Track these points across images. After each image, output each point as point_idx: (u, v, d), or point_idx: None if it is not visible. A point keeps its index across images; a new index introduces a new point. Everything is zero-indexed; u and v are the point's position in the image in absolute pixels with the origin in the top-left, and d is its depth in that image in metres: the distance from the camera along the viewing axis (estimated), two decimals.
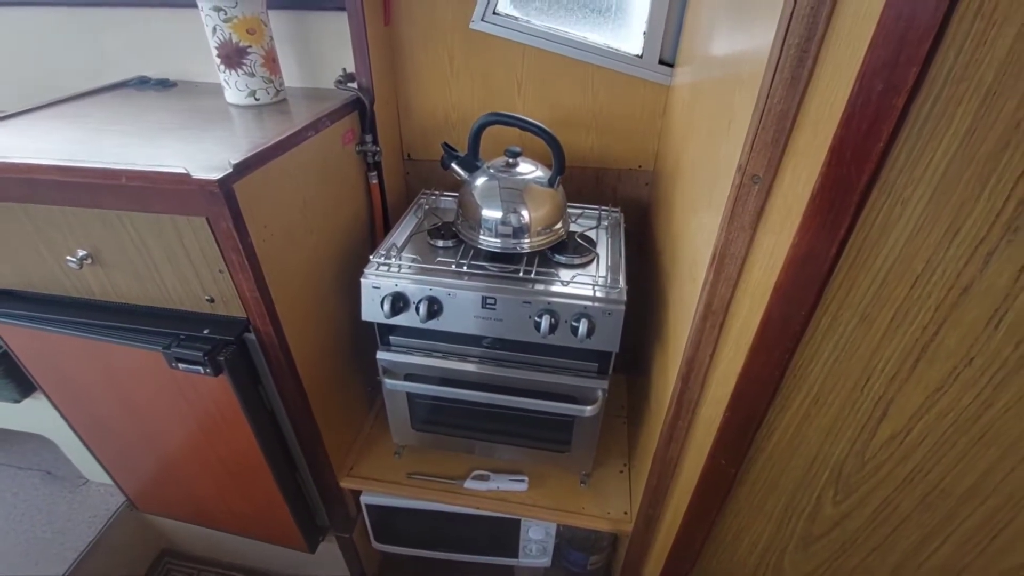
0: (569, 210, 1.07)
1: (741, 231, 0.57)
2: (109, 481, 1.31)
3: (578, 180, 1.19)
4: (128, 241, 0.79)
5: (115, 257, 0.81)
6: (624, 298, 0.88)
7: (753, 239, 0.57)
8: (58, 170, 0.73)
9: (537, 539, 1.22)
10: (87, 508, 1.32)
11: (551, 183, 0.95)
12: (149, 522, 1.37)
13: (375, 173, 1.12)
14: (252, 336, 0.87)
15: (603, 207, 1.14)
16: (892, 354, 0.55)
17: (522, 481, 1.15)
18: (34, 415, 1.21)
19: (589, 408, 0.97)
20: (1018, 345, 0.49)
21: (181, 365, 0.84)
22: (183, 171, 0.70)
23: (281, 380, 0.92)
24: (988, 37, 0.39)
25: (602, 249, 1.02)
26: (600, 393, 0.98)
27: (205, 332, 0.85)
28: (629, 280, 0.91)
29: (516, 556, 1.28)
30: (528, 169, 0.96)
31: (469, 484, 1.15)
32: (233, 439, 0.97)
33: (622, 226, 1.09)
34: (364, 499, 1.19)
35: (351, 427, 1.22)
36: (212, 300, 0.84)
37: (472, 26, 1.07)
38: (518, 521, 1.19)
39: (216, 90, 1.06)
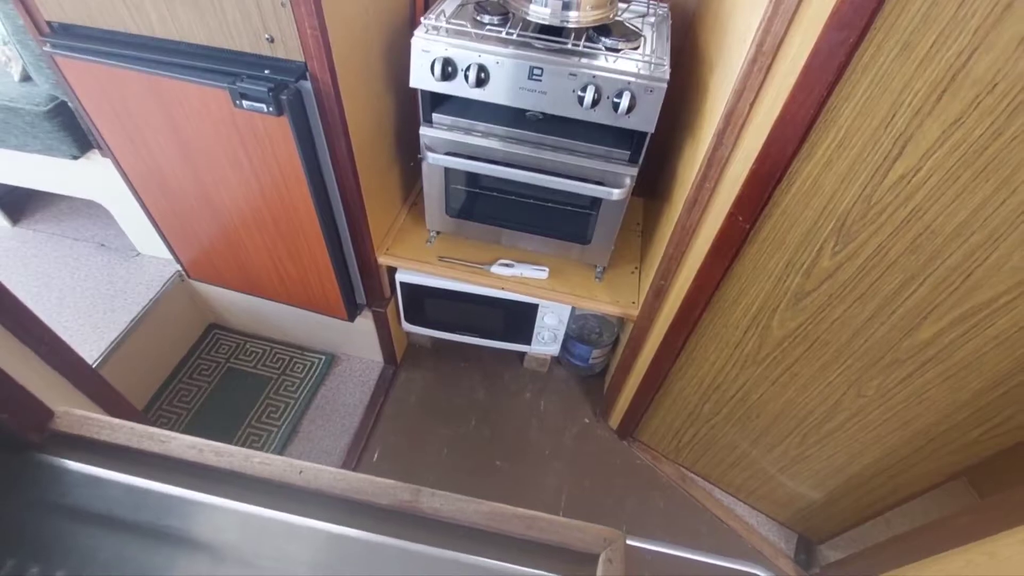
0: (619, 4, 1.06)
1: None
2: (161, 255, 1.43)
3: None
4: None
5: None
6: (667, 77, 0.91)
7: None
8: None
9: (551, 325, 1.37)
10: (141, 277, 1.45)
11: None
12: (199, 293, 1.52)
13: None
14: (308, 85, 0.91)
15: (651, 2, 1.12)
16: (923, 85, 0.61)
17: (543, 270, 1.27)
18: (90, 179, 1.29)
19: (617, 192, 1.04)
20: None
21: (245, 103, 0.89)
22: None
23: (333, 136, 0.98)
24: None
25: (647, 38, 1.03)
26: (628, 180, 1.04)
27: (265, 72, 0.89)
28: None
29: (529, 343, 1.45)
30: None
31: (495, 269, 1.26)
32: (288, 194, 1.05)
33: (668, 20, 1.09)
34: (399, 276, 1.32)
35: (389, 211, 1.31)
36: (272, 40, 0.86)
37: None
38: (535, 307, 1.33)
39: None
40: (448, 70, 0.95)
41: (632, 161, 1.04)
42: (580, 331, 1.47)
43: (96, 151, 1.21)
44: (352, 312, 1.35)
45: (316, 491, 0.42)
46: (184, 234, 1.28)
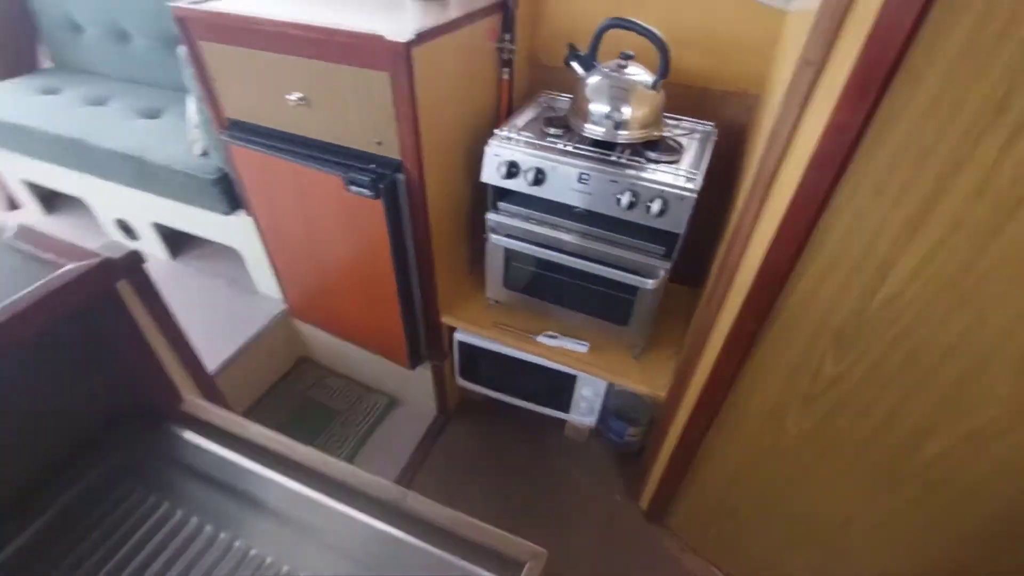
0: (668, 121, 1.23)
1: (792, 109, 0.72)
2: (273, 295, 1.73)
3: (683, 97, 1.32)
4: (331, 88, 1.08)
5: (319, 100, 1.12)
6: (697, 188, 1.05)
7: (800, 116, 0.72)
8: (292, 26, 1.03)
9: (587, 396, 1.47)
10: (255, 311, 1.76)
11: (654, 86, 1.12)
12: (297, 330, 1.80)
13: (507, 70, 1.33)
14: (402, 177, 1.15)
15: (699, 120, 1.28)
16: (897, 221, 0.70)
17: (583, 345, 1.39)
18: (234, 231, 1.64)
19: (651, 282, 1.16)
20: (997, 212, 0.62)
21: (353, 187, 1.15)
22: (379, 33, 0.96)
23: (416, 216, 1.21)
24: None
25: (689, 153, 1.18)
26: (662, 272, 1.16)
27: (372, 166, 1.15)
28: (710, 191, 1.07)
29: (567, 411, 1.54)
30: (636, 72, 1.13)
31: (541, 339, 1.41)
32: (374, 258, 1.29)
33: (713, 139, 1.23)
34: (457, 336, 1.50)
35: (456, 279, 1.52)
36: (380, 143, 1.13)
37: None
38: (574, 377, 1.44)
39: None
40: (512, 170, 1.16)
41: (666, 256, 1.16)
42: (618, 407, 1.55)
43: (243, 211, 1.55)
44: (415, 362, 1.55)
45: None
46: (293, 280, 1.57)
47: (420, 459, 1.63)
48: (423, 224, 1.22)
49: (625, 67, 1.14)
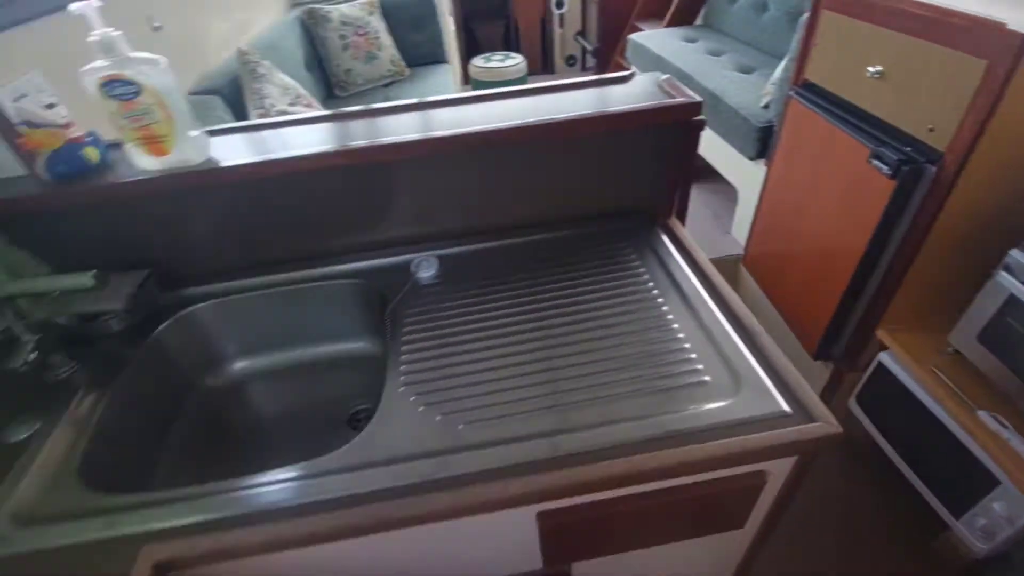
0: None
1: None
2: (740, 239, 1.97)
3: None
4: (913, 67, 1.11)
5: (896, 76, 1.17)
6: None
7: None
8: (913, 3, 1.09)
9: (996, 512, 1.13)
10: (718, 244, 2.06)
11: None
12: (739, 278, 2.02)
13: None
14: (932, 169, 1.11)
15: None
16: None
17: None
18: (747, 173, 1.91)
19: None
20: None
21: (875, 162, 1.19)
22: (1000, 21, 0.93)
23: (921, 214, 1.15)
24: None
25: None
26: None
27: (907, 149, 1.15)
28: None
29: (958, 516, 1.23)
30: None
31: (982, 415, 1.15)
32: (850, 236, 1.31)
33: None
34: (882, 356, 1.38)
35: (920, 301, 1.34)
36: (932, 130, 1.11)
37: None
38: (996, 483, 1.12)
39: None
40: None
41: None
42: None
43: (763, 160, 1.79)
44: (821, 354, 1.52)
45: None
46: (763, 232, 1.75)
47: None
48: (924, 225, 1.16)
49: None
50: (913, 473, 1.37)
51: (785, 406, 0.62)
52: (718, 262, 2.00)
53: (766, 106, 1.79)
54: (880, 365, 1.40)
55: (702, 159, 2.30)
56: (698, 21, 2.90)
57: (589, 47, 3.83)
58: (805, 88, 1.49)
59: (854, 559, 1.38)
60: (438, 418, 0.64)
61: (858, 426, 1.57)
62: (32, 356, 0.71)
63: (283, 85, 1.73)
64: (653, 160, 0.91)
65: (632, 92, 0.88)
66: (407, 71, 2.72)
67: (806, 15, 1.45)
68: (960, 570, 1.32)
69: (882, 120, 1.24)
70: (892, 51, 1.18)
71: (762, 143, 1.76)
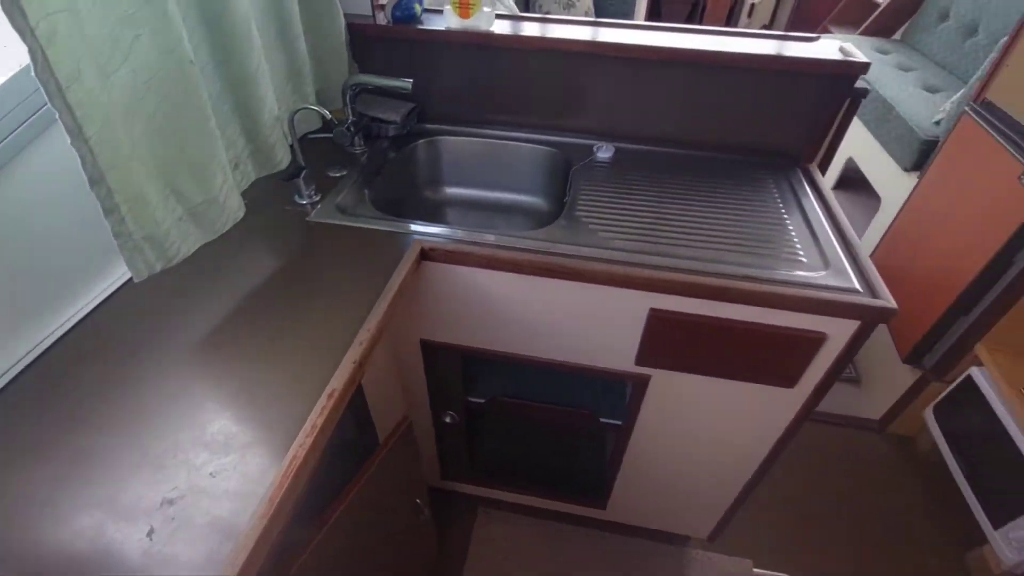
0: None
1: None
2: (869, 246, 2.01)
3: None
4: None
5: None
6: None
7: None
8: None
9: None
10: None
11: None
12: None
13: None
14: None
15: None
16: None
17: None
18: (897, 184, 1.95)
19: None
20: None
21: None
22: None
23: None
24: None
25: None
26: None
27: None
28: None
29: (999, 525, 1.32)
30: None
31: None
32: (977, 247, 1.38)
33: None
34: (972, 371, 1.45)
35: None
36: None
37: None
38: None
39: None
40: None
41: None
42: None
43: (915, 172, 1.83)
44: (913, 358, 1.61)
45: None
46: (895, 238, 1.81)
47: (819, 420, 1.78)
48: None
49: None
50: (968, 485, 1.45)
51: (857, 285, 0.82)
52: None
53: (937, 123, 1.82)
54: (969, 379, 1.47)
55: (857, 169, 2.33)
56: (896, 36, 2.82)
57: None
58: (983, 106, 1.54)
59: (887, 554, 1.49)
60: (600, 233, 0.93)
61: (927, 438, 1.65)
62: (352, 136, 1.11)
63: (508, 6, 2.07)
64: (812, 111, 1.10)
65: (812, 48, 1.07)
66: None
67: (1007, 37, 1.50)
68: None
69: None
70: None
71: (922, 156, 1.80)
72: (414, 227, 0.92)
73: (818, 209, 1.01)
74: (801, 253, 0.89)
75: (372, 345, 0.70)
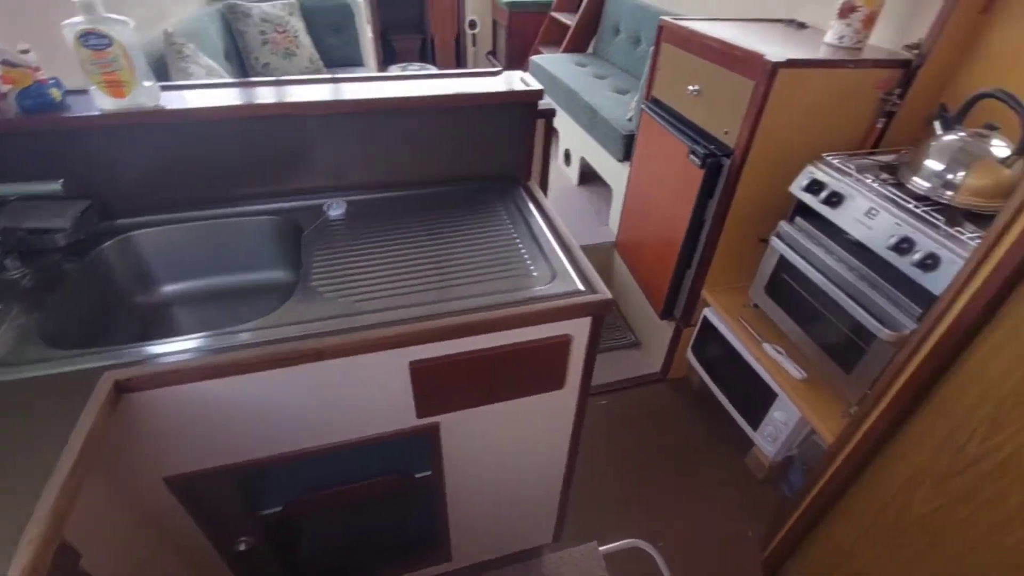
0: None
1: None
2: (613, 227, 2.34)
3: None
4: (715, 86, 1.52)
5: (705, 92, 1.57)
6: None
7: None
8: (712, 39, 1.50)
9: (777, 420, 1.52)
10: (597, 234, 2.42)
11: (1006, 160, 1.10)
12: (612, 261, 2.39)
13: (883, 120, 1.46)
14: (727, 162, 1.50)
15: None
16: None
17: (801, 372, 1.46)
18: (617, 173, 2.30)
19: (887, 332, 1.18)
20: None
21: (691, 156, 1.58)
22: (760, 52, 1.33)
23: (723, 197, 1.55)
24: None
25: None
26: (906, 330, 1.16)
27: (711, 147, 1.54)
28: None
29: (755, 428, 1.62)
30: (996, 143, 1.13)
31: (766, 347, 1.54)
32: (679, 218, 1.69)
33: None
34: (706, 312, 1.77)
35: (732, 268, 1.75)
36: (726, 133, 1.51)
37: None
38: (775, 396, 1.52)
39: (819, 34, 1.61)
40: (814, 187, 1.35)
41: (921, 318, 1.15)
42: (806, 459, 1.52)
43: (628, 161, 2.18)
44: (665, 314, 1.90)
45: None
46: (628, 219, 2.13)
47: (615, 390, 2.00)
48: (724, 205, 1.55)
49: (986, 136, 1.15)
50: (728, 402, 1.76)
51: (580, 285, 0.91)
52: (596, 248, 2.39)
53: (630, 119, 2.19)
54: (705, 319, 1.79)
55: (590, 165, 2.68)
56: (589, 50, 3.35)
57: (499, 66, 4.20)
58: (652, 103, 1.88)
59: (693, 478, 1.73)
60: (340, 299, 0.87)
61: (696, 375, 1.96)
62: None
63: (208, 67, 1.87)
64: (516, 134, 1.21)
65: (497, 82, 1.18)
66: (324, 71, 2.90)
67: (652, 47, 1.86)
68: (764, 476, 1.71)
69: (697, 125, 1.64)
70: (703, 74, 1.58)
71: (626, 148, 2.15)
72: (105, 356, 0.75)
73: (541, 223, 1.10)
74: (532, 268, 0.96)
75: (47, 543, 0.53)
